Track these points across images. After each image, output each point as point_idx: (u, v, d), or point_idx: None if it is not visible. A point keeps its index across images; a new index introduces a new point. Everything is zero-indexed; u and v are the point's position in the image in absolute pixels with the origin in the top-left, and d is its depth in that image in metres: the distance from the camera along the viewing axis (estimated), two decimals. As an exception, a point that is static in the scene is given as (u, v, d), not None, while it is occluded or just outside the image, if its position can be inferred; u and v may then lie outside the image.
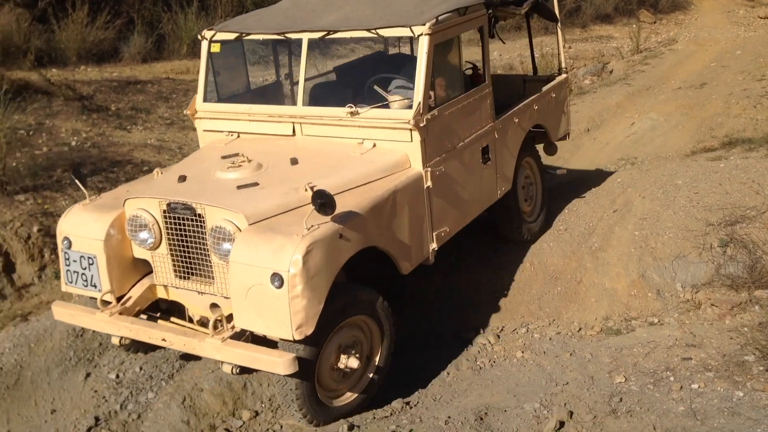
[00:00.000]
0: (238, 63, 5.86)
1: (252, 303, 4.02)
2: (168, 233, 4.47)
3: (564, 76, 6.92)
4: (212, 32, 5.52)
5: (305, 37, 5.10)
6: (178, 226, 4.42)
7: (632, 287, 5.86)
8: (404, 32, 4.80)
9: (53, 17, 12.01)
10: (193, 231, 4.37)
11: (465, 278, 6.23)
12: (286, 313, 3.92)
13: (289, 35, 5.18)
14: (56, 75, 11.11)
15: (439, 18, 4.83)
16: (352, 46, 10.79)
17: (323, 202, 3.93)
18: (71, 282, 4.75)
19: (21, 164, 8.42)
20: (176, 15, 12.96)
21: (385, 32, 4.86)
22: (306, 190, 4.25)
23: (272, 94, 5.59)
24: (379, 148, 4.89)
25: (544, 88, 6.53)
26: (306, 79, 6.02)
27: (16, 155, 8.63)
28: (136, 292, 4.68)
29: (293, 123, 5.15)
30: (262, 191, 4.39)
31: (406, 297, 5.00)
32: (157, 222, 4.47)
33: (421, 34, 4.73)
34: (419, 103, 4.70)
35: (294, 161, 4.77)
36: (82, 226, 4.64)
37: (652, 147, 9.68)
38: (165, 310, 4.88)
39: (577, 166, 9.08)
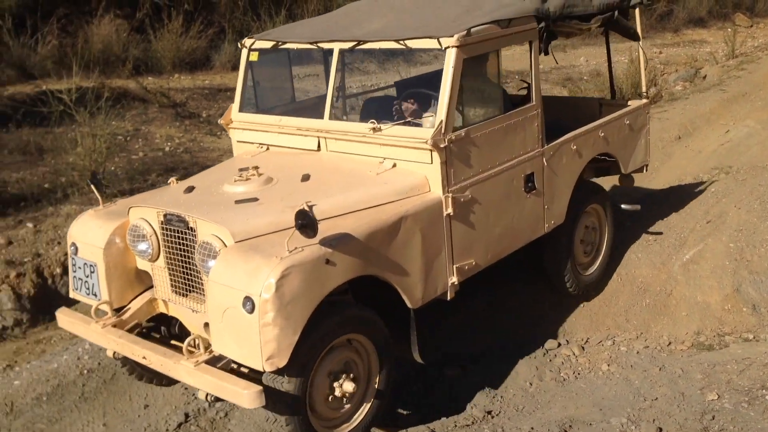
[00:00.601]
0: (282, 73, 5.66)
1: (227, 326, 3.74)
2: (165, 245, 4.28)
3: (643, 101, 6.26)
4: (252, 40, 5.34)
5: (336, 47, 4.82)
6: (173, 239, 4.22)
7: (726, 301, 5.66)
8: (432, 44, 4.40)
9: (150, 28, 12.54)
10: (187, 245, 4.15)
11: (548, 287, 6.08)
12: (256, 342, 3.61)
13: (321, 45, 4.91)
14: (152, 83, 11.49)
15: (472, 30, 4.40)
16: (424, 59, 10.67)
17: (304, 223, 3.60)
18: (77, 289, 4.65)
19: (119, 168, 8.86)
20: (265, 24, 13.21)
21: (413, 44, 4.49)
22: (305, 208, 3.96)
23: (311, 107, 5.32)
24: (399, 168, 4.52)
25: (615, 114, 5.92)
26: (361, 93, 5.75)
27: (114, 160, 9.03)
28: (136, 305, 4.51)
29: (318, 137, 4.86)
30: (259, 207, 4.12)
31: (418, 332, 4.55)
32: (155, 233, 4.29)
33: (449, 47, 4.32)
34: (441, 121, 4.30)
35: (305, 177, 4.47)
36: (88, 232, 4.54)
37: (748, 156, 8.95)
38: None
39: (668, 175, 8.65)
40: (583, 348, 5.51)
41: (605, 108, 6.39)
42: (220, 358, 3.92)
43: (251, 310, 3.59)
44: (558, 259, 5.66)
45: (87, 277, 4.53)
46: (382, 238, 4.06)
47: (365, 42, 4.71)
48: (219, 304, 3.75)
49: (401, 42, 4.53)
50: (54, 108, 8.89)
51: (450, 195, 4.40)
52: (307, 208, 3.63)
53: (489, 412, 4.73)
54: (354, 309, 4.10)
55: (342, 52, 4.82)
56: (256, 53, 5.34)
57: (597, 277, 6.10)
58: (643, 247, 6.35)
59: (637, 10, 6.11)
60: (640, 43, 6.22)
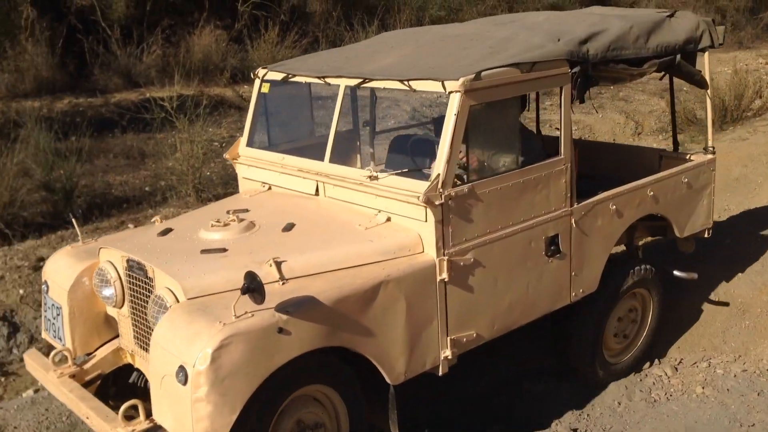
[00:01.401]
0: (301, 106, 5.27)
1: (165, 395, 3.33)
2: (129, 293, 3.93)
3: (708, 157, 5.52)
4: (265, 71, 4.98)
5: (342, 83, 4.38)
6: (136, 287, 3.87)
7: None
8: (436, 87, 3.90)
9: (247, 38, 12.88)
10: (146, 295, 3.78)
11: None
12: (188, 418, 3.18)
13: (328, 79, 4.48)
14: (248, 91, 11.67)
15: (483, 74, 3.86)
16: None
17: (250, 287, 3.16)
18: (47, 329, 4.36)
19: (214, 174, 9.11)
20: (357, 34, 13.20)
21: (417, 85, 4.00)
22: (270, 265, 3.53)
23: (316, 146, 4.92)
24: (392, 223, 4.02)
25: (668, 172, 5.21)
26: (382, 131, 5.30)
27: (210, 165, 9.25)
28: (101, 353, 4.18)
29: (317, 181, 4.42)
30: (224, 260, 3.71)
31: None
32: (120, 278, 3.94)
33: (452, 92, 3.80)
34: (438, 175, 3.78)
35: (288, 227, 4.04)
36: (59, 271, 4.25)
37: None
38: None
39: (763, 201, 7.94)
40: (676, 369, 5.37)
41: (665, 161, 5.69)
42: (162, 428, 3.50)
43: (184, 382, 3.17)
44: (581, 340, 4.99)
45: (54, 318, 4.23)
46: (355, 305, 3.57)
47: (371, 80, 4.25)
48: (158, 370, 3.35)
49: (405, 83, 4.04)
50: (156, 115, 9.13)
51: (446, 258, 3.86)
52: (253, 271, 3.19)
53: (575, 430, 4.66)
54: (318, 356, 3.59)
55: (349, 88, 4.38)
56: (268, 85, 4.96)
57: (630, 366, 5.38)
58: (743, 266, 6.13)
59: (706, 54, 5.40)
60: (708, 92, 5.48)
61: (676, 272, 5.52)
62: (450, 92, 3.81)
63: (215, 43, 12.62)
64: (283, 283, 3.53)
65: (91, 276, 4.11)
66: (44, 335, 4.41)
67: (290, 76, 4.77)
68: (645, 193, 4.97)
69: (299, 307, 3.36)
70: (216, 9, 12.97)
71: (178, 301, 3.48)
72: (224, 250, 3.78)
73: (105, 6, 11.88)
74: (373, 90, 5.07)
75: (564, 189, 4.42)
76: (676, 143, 5.85)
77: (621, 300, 5.08)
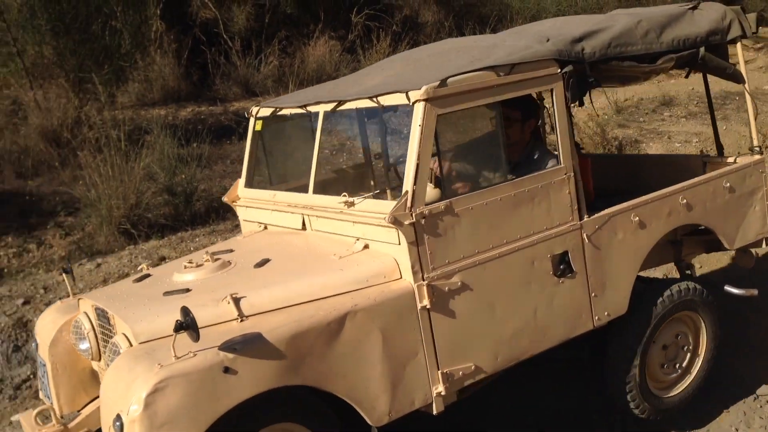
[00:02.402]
0: (304, 141, 5.07)
1: (112, 448, 3.10)
2: (102, 344, 3.77)
3: (755, 158, 4.94)
4: (257, 108, 4.84)
5: (321, 109, 4.17)
6: (106, 337, 3.71)
7: None
8: (401, 99, 3.61)
9: (360, 48, 13.22)
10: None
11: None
12: (131, 472, 2.93)
13: (309, 108, 4.28)
14: None
15: (449, 80, 3.56)
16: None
17: (182, 323, 2.93)
18: (41, 389, 4.26)
19: None
20: None
21: (384, 100, 3.73)
22: (228, 302, 3.30)
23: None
24: (369, 251, 3.72)
25: (705, 176, 4.68)
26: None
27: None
28: (87, 411, 4.01)
29: (303, 215, 4.19)
30: (183, 300, 3.49)
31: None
32: (94, 329, 3.80)
33: (416, 101, 3.51)
34: (406, 192, 3.46)
35: (261, 263, 3.81)
36: (44, 327, 4.15)
37: None
38: None
39: None
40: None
41: (710, 167, 5.14)
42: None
43: (120, 430, 2.93)
44: (616, 371, 4.46)
45: (43, 376, 4.12)
46: (318, 339, 3.26)
47: (344, 102, 4.02)
48: (104, 420, 3.14)
49: (374, 99, 3.78)
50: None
51: (426, 283, 3.51)
52: (186, 306, 2.95)
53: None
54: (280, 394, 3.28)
55: (326, 114, 4.16)
56: (260, 122, 4.81)
57: (684, 400, 4.78)
58: None
59: (738, 45, 4.88)
60: (746, 86, 4.93)
61: (728, 287, 4.91)
62: (413, 102, 3.51)
63: (329, 53, 12.99)
64: (241, 320, 3.29)
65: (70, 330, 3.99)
66: (41, 395, 4.31)
67: (277, 110, 4.60)
68: (676, 202, 4.46)
69: (248, 345, 3.09)
70: (331, 21, 13.42)
71: (131, 346, 3.28)
72: (187, 290, 3.58)
73: (227, 19, 12.51)
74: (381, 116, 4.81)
75: (569, 201, 4.00)
76: (719, 146, 5.28)
77: (661, 324, 4.52)
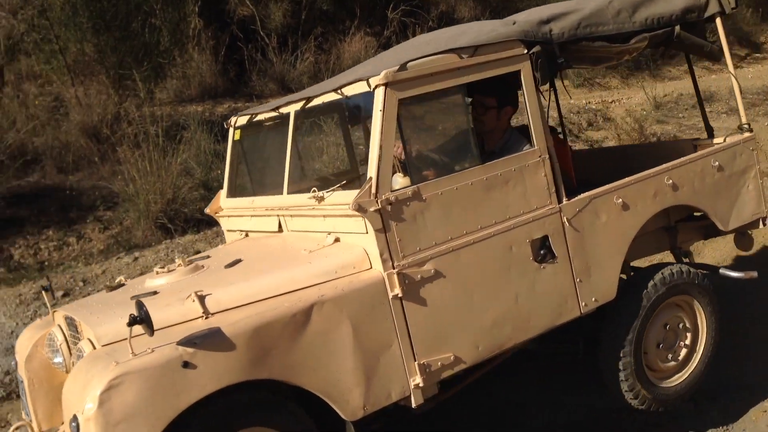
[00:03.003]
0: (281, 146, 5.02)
1: (73, 453, 3.02)
2: (75, 355, 3.70)
3: (745, 135, 4.80)
4: (236, 119, 4.81)
5: (292, 109, 4.13)
6: (76, 346, 3.63)
7: None
8: (363, 87, 3.56)
9: (395, 44, 13.30)
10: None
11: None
12: (90, 473, 2.85)
13: (281, 110, 4.24)
14: None
15: (409, 64, 3.49)
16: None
17: (135, 317, 2.85)
18: (22, 407, 4.19)
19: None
20: None
21: (348, 90, 3.68)
22: (193, 300, 3.23)
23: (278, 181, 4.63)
24: (340, 243, 3.64)
25: (689, 156, 4.56)
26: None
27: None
28: (65, 427, 3.93)
29: (278, 216, 4.12)
30: (149, 302, 3.41)
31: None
32: (66, 341, 3.74)
33: (377, 86, 3.44)
34: (370, 178, 3.39)
35: (232, 264, 3.74)
36: (22, 344, 4.09)
37: None
38: None
39: None
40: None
41: (701, 149, 5.00)
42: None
43: (76, 431, 2.85)
44: (608, 360, 4.31)
45: (22, 393, 4.06)
46: (283, 332, 3.17)
47: (312, 98, 3.97)
48: (65, 425, 3.06)
49: (338, 91, 3.73)
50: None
51: (396, 271, 3.41)
52: (141, 300, 2.88)
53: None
54: (246, 397, 3.20)
55: (297, 113, 4.11)
56: (239, 132, 4.78)
57: (688, 389, 4.59)
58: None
59: (718, 21, 4.77)
60: (730, 67, 4.81)
61: (724, 270, 4.75)
62: (374, 87, 3.45)
63: (364, 49, 12.90)
64: (207, 317, 3.20)
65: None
66: (22, 414, 4.24)
67: (253, 117, 4.57)
68: (661, 183, 4.33)
69: (208, 339, 3.01)
70: (367, 17, 13.32)
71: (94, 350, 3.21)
72: (155, 293, 3.51)
73: (264, 16, 12.47)
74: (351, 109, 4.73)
75: (545, 184, 3.89)
76: (709, 128, 5.15)
77: (654, 310, 4.36)
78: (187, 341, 2.97)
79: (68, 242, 7.38)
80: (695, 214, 4.93)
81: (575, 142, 10.57)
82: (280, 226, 4.13)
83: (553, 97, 5.42)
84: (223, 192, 4.82)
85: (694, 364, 4.61)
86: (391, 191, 3.41)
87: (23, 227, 7.36)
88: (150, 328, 2.85)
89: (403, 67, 3.47)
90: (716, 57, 4.72)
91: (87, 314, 3.44)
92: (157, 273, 3.78)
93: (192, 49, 11.14)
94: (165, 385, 2.89)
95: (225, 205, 4.76)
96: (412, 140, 3.61)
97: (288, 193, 4.07)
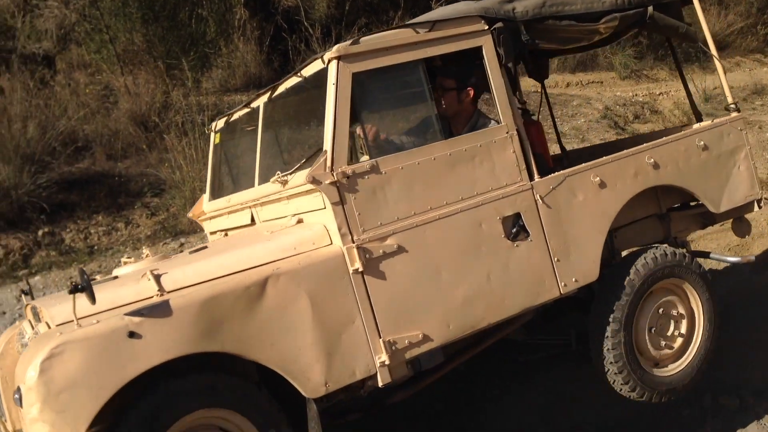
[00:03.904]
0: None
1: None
2: None
3: (732, 114, 4.68)
4: (215, 123, 4.84)
5: (261, 102, 4.14)
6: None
7: None
8: (319, 65, 3.55)
9: None
10: None
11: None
12: (30, 446, 2.79)
13: (252, 105, 4.26)
14: None
15: (362, 39, 3.49)
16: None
17: (77, 285, 2.83)
18: None
19: None
20: None
21: (306, 71, 3.68)
22: (148, 279, 3.20)
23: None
24: (303, 223, 3.59)
25: (672, 136, 4.44)
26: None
27: None
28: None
29: (250, 209, 4.10)
30: (108, 284, 3.39)
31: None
32: (35, 332, 3.71)
33: (331, 60, 3.44)
34: (324, 152, 3.36)
35: (197, 250, 3.73)
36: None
37: None
38: None
39: None
40: None
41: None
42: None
43: (20, 403, 2.81)
44: (603, 348, 4.15)
45: None
46: (236, 304, 3.11)
47: (276, 87, 3.98)
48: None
49: (298, 75, 3.73)
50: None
51: (355, 245, 3.34)
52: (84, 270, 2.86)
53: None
54: (200, 378, 3.11)
55: (265, 105, 4.12)
56: (218, 135, 4.80)
57: (685, 378, 4.36)
58: None
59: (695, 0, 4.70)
60: (712, 49, 4.72)
61: (716, 255, 4.57)
62: (327, 62, 3.44)
63: None
64: (161, 295, 3.16)
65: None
66: None
67: (229, 117, 4.59)
68: (641, 162, 4.22)
69: (155, 310, 2.96)
70: (410, 8, 13.29)
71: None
72: (115, 278, 3.49)
73: (308, 7, 12.64)
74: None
75: (514, 161, 3.81)
76: (697, 113, 5.03)
77: (643, 294, 4.20)
78: (134, 312, 2.92)
79: (117, 227, 7.50)
80: (691, 204, 4.80)
81: (621, 135, 10.45)
82: (252, 219, 4.10)
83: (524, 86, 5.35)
84: (206, 196, 4.82)
85: (693, 352, 4.41)
86: (348, 165, 3.37)
87: (74, 212, 7.51)
88: (91, 296, 2.81)
89: (356, 41, 3.46)
90: (693, 38, 4.63)
91: (48, 301, 3.42)
92: (124, 263, 3.76)
93: (237, 39, 11.27)
94: (109, 355, 2.84)
95: (207, 209, 4.76)
96: (370, 116, 3.57)
97: (258, 185, 4.05)
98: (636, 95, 12.25)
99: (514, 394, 4.84)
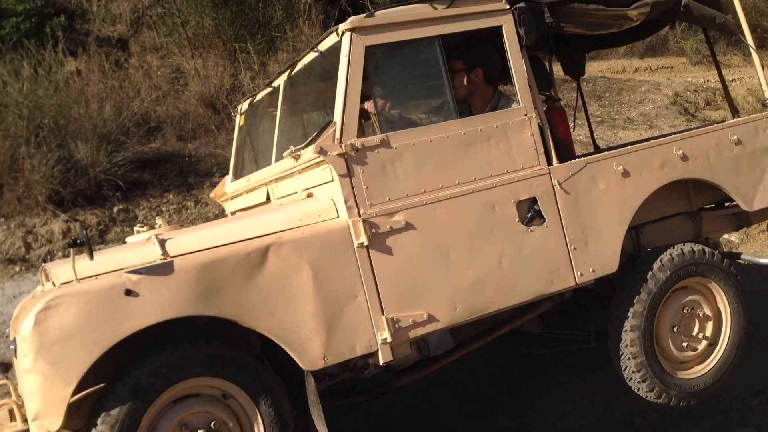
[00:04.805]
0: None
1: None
2: None
3: (768, 113, 4.52)
4: (240, 105, 4.87)
5: (281, 80, 4.15)
6: None
7: None
8: (334, 38, 3.54)
9: None
10: None
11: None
12: (25, 395, 2.82)
13: (273, 84, 4.27)
14: None
15: (378, 12, 3.47)
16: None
17: (76, 240, 2.85)
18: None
19: None
20: None
21: (322, 46, 3.66)
22: (153, 243, 3.21)
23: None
24: (312, 197, 3.57)
25: (704, 128, 4.30)
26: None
27: None
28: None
29: (266, 187, 4.10)
30: (116, 249, 3.42)
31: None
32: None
33: (344, 32, 3.42)
34: (334, 123, 3.33)
35: (210, 221, 3.74)
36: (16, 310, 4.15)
37: None
38: None
39: None
40: None
41: None
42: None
43: (15, 354, 2.84)
44: (622, 346, 4.02)
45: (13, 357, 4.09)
46: (237, 270, 3.09)
47: (295, 63, 3.98)
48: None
49: (315, 49, 3.72)
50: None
51: (361, 219, 3.30)
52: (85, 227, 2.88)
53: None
54: (195, 346, 3.10)
55: (285, 83, 4.12)
56: (243, 117, 4.82)
57: (711, 382, 4.19)
58: None
59: None
60: (750, 41, 4.57)
61: (747, 257, 4.40)
62: (341, 34, 3.43)
63: None
64: (164, 259, 3.16)
65: None
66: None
67: (253, 98, 4.61)
68: (669, 153, 4.09)
69: (155, 270, 2.97)
70: None
71: None
72: (124, 242, 3.51)
73: None
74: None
75: (532, 144, 3.73)
76: (733, 109, 4.87)
77: (666, 291, 4.05)
78: (133, 270, 2.93)
79: (187, 206, 7.64)
80: (726, 204, 4.64)
81: (691, 121, 10.23)
82: (268, 196, 4.09)
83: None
84: (229, 177, 4.84)
85: (719, 355, 4.24)
86: (357, 138, 3.34)
87: (147, 190, 7.65)
88: (90, 251, 2.83)
89: (371, 14, 3.44)
90: (731, 30, 4.49)
91: (58, 262, 3.45)
92: (137, 231, 3.78)
93: (302, 23, 11.32)
94: (105, 311, 2.85)
95: (229, 189, 4.77)
96: (382, 90, 3.53)
97: (275, 163, 4.04)
98: (707, 81, 11.93)
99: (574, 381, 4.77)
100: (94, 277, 2.92)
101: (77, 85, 7.97)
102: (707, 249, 4.18)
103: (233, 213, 4.74)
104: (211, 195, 4.88)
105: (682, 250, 4.10)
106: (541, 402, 4.65)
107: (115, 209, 6.99)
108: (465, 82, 3.97)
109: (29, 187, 6.61)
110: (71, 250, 2.86)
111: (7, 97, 7.09)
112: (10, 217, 6.60)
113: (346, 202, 3.30)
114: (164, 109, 8.96)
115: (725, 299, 4.23)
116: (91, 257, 2.84)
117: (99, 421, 2.86)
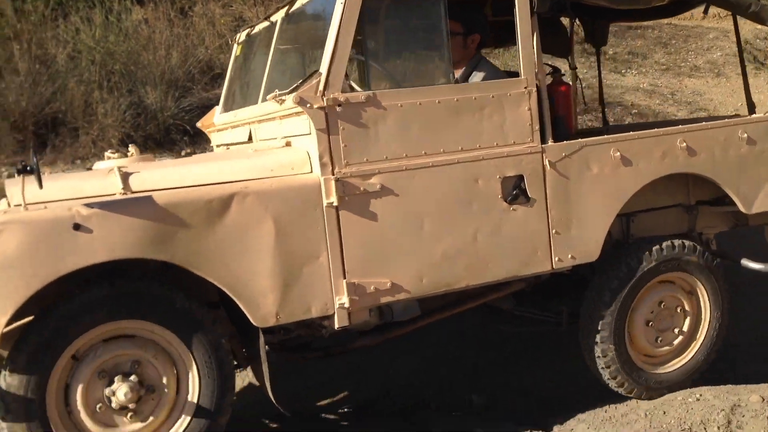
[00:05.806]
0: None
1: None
2: None
3: (785, 112, 4.28)
4: (238, 35, 4.67)
5: (279, 16, 3.94)
6: None
7: None
8: None
9: None
10: None
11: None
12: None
13: (271, 18, 4.06)
14: None
15: (380, -38, 3.24)
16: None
17: (25, 165, 2.72)
18: None
19: None
20: None
21: None
22: (115, 175, 3.08)
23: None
24: (289, 147, 3.40)
25: (714, 123, 4.09)
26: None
27: None
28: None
29: (249, 126, 3.93)
30: (79, 175, 3.30)
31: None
32: None
33: None
34: (319, 73, 3.15)
35: (182, 157, 3.58)
36: None
37: None
38: None
39: None
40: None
41: None
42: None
43: None
44: (593, 337, 3.90)
45: None
46: (195, 216, 2.96)
47: (293, 3, 3.77)
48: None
49: None
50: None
51: (335, 178, 3.15)
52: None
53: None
54: (126, 285, 3.00)
55: (282, 20, 3.91)
56: (240, 47, 4.62)
57: (686, 375, 4.11)
58: None
59: None
60: (776, 28, 4.29)
61: (746, 261, 4.23)
62: None
63: None
64: (125, 194, 3.02)
65: None
66: None
67: (251, 30, 4.40)
68: (672, 144, 3.88)
69: (107, 206, 2.84)
70: None
71: None
72: (89, 169, 3.38)
73: None
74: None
75: (528, 119, 3.54)
76: (750, 103, 4.63)
77: (644, 284, 3.92)
78: (88, 204, 2.80)
79: None
80: (727, 201, 4.44)
81: (759, 70, 9.96)
82: (250, 136, 3.93)
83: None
84: (218, 108, 4.67)
85: (695, 350, 4.13)
86: (342, 92, 3.15)
87: None
88: (38, 180, 2.70)
89: None
90: (763, 20, 4.22)
91: (15, 180, 3.33)
92: (107, 158, 3.64)
93: None
94: (50, 243, 2.74)
95: (217, 121, 4.61)
96: (376, 46, 3.33)
97: (261, 102, 3.87)
98: (778, 29, 11.64)
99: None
100: (43, 206, 2.79)
101: (145, 32, 8.08)
102: (694, 245, 4.03)
103: (218, 146, 4.60)
104: (198, 124, 4.72)
105: (668, 243, 3.95)
106: (519, 365, 4.57)
107: (183, 153, 7.09)
108: (461, 46, 3.76)
109: (103, 130, 6.86)
110: (21, 177, 2.72)
111: (81, 43, 7.40)
112: (86, 159, 6.77)
113: (320, 158, 3.14)
114: (227, 56, 8.98)
115: (706, 297, 4.10)
116: (41, 186, 2.71)
117: (15, 355, 2.80)
